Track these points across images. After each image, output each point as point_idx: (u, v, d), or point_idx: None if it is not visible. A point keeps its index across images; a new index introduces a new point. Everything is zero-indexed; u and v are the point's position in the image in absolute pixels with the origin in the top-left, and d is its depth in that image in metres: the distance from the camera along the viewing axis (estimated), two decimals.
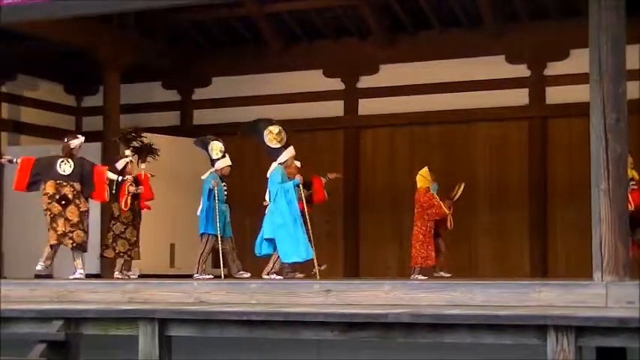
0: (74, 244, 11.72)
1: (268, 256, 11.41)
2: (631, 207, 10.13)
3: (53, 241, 11.69)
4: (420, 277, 11.84)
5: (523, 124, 15.22)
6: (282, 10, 15.66)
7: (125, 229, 12.48)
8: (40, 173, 11.89)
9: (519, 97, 15.19)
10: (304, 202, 11.69)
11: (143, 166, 12.76)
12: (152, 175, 12.80)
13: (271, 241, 11.29)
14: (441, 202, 11.98)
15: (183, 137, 16.36)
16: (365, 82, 16.16)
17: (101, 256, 12.77)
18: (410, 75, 15.68)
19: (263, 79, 16.44)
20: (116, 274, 12.51)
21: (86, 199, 11.93)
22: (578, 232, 13.92)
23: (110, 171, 12.34)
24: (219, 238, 11.78)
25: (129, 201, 12.34)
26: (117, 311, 8.49)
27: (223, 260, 12.00)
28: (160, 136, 15.94)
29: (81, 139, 12.25)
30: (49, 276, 12.25)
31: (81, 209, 11.81)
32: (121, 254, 12.48)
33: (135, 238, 12.51)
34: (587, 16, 8.66)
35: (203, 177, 12.12)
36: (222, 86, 16.94)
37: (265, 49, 16.40)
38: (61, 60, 16.84)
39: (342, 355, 10.09)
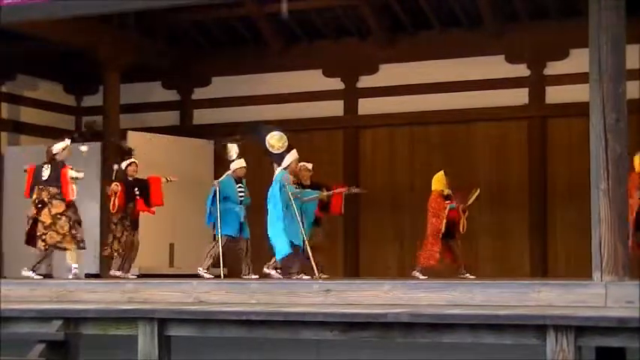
0: (46, 246, 11.89)
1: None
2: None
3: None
4: (420, 275, 11.87)
5: (523, 124, 15.22)
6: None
7: (115, 227, 12.53)
8: (33, 180, 12.22)
9: (519, 96, 15.19)
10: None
11: (84, 148, 12.74)
12: (168, 180, 12.81)
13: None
14: (445, 216, 12.06)
15: (183, 137, 16.41)
16: (365, 82, 16.15)
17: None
18: (410, 75, 15.68)
19: (263, 79, 16.44)
20: (111, 272, 12.56)
21: (63, 200, 11.98)
22: (578, 232, 13.90)
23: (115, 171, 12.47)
24: (232, 239, 11.92)
25: (116, 203, 12.43)
26: (116, 311, 8.49)
27: (222, 260, 12.04)
28: (160, 136, 16.00)
29: (65, 142, 12.23)
30: (50, 276, 12.26)
31: (52, 212, 11.91)
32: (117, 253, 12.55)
33: (120, 235, 12.54)
34: (587, 16, 8.66)
35: (220, 179, 12.19)
36: (221, 86, 16.94)
37: (265, 49, 16.39)
38: (61, 60, 16.84)
39: (342, 355, 10.08)
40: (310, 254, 11.30)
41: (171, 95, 17.38)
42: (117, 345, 9.04)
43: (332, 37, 16.18)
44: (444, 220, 12.07)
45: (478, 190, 12.54)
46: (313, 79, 16.32)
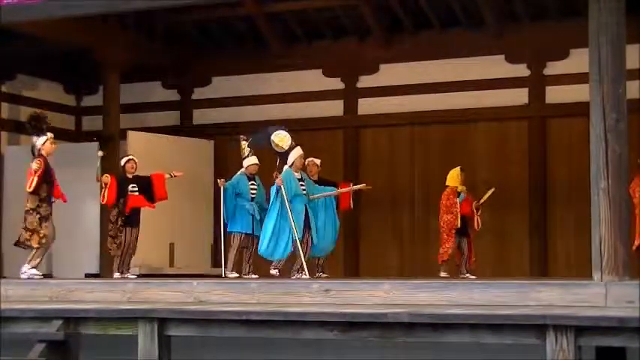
0: (16, 243, 11.87)
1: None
2: None
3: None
4: (444, 274, 11.88)
5: (523, 124, 15.22)
6: (282, 10, 15.66)
7: (112, 225, 12.52)
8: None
9: (519, 96, 15.20)
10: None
11: (100, 153, 12.73)
12: (173, 176, 12.79)
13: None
14: (459, 212, 12.06)
15: (183, 137, 16.41)
16: (365, 81, 16.16)
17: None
18: (410, 75, 15.68)
19: (263, 79, 16.44)
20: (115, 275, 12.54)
21: (37, 195, 11.78)
22: (578, 232, 13.93)
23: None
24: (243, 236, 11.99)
25: (105, 195, 12.35)
26: (116, 311, 8.49)
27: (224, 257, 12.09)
28: (160, 136, 16.01)
29: (47, 136, 12.04)
30: (49, 275, 12.26)
31: (25, 209, 11.83)
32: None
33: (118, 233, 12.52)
34: (587, 16, 8.65)
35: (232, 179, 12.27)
36: (222, 86, 16.94)
37: (265, 49, 16.39)
38: (61, 60, 16.84)
39: (342, 355, 10.08)
40: (302, 254, 11.30)
41: (171, 95, 17.38)
42: (117, 345, 9.04)
43: (332, 37, 16.19)
44: (458, 215, 12.06)
45: (492, 190, 12.53)
46: (313, 79, 16.32)
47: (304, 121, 15.75)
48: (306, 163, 12.18)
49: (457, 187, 12.25)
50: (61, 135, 16.30)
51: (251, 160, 12.19)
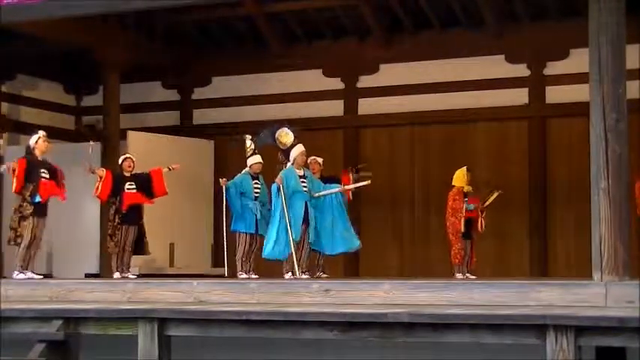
0: (8, 241, 11.86)
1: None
2: None
3: None
4: (459, 275, 11.87)
5: (523, 124, 15.23)
6: (282, 10, 15.66)
7: (110, 224, 12.51)
8: None
9: (519, 96, 15.20)
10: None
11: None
12: (171, 169, 12.75)
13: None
14: (462, 216, 12.04)
15: (183, 137, 16.42)
16: (365, 81, 16.16)
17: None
18: (410, 75, 15.69)
19: (263, 79, 16.45)
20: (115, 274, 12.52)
21: (21, 195, 11.75)
22: (578, 232, 13.93)
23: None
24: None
25: (99, 187, 12.28)
26: (116, 311, 8.49)
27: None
28: (160, 136, 16.01)
29: (39, 134, 12.00)
30: (50, 275, 12.26)
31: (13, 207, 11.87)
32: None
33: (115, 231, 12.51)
34: (587, 16, 8.65)
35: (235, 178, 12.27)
36: (222, 86, 16.94)
37: (265, 49, 16.39)
38: (61, 60, 16.84)
39: (342, 355, 10.09)
40: (294, 254, 11.30)
41: (171, 95, 17.38)
42: (117, 345, 9.04)
43: (332, 37, 16.19)
44: (463, 220, 12.04)
45: (498, 192, 12.50)
46: (313, 79, 16.32)
47: (304, 121, 15.71)
48: (308, 161, 12.19)
49: (463, 187, 12.21)
50: (61, 135, 16.36)
51: (255, 159, 12.17)
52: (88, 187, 12.92)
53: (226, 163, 15.57)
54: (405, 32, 15.70)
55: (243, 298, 9.20)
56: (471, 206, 12.17)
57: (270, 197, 11.61)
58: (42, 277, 11.93)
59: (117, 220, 12.36)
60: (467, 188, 12.25)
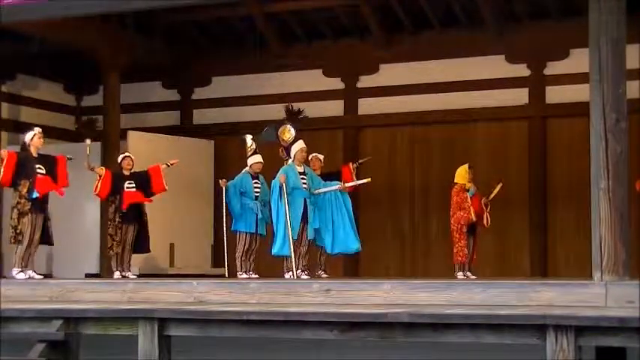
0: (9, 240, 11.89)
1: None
2: None
3: None
4: (460, 275, 11.85)
5: (523, 124, 15.23)
6: (282, 10, 15.66)
7: (110, 224, 12.50)
8: None
9: (519, 96, 15.20)
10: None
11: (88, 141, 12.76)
12: (169, 165, 12.72)
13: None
14: (471, 207, 11.99)
15: (183, 137, 16.41)
16: (365, 81, 16.16)
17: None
18: (410, 75, 15.69)
19: (263, 79, 16.45)
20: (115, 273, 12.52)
21: (18, 192, 11.76)
22: (578, 232, 13.93)
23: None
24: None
25: (99, 186, 12.24)
26: (116, 311, 8.49)
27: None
28: (160, 136, 16.01)
29: (34, 131, 12.01)
30: (50, 275, 12.26)
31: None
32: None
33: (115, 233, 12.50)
34: (587, 16, 8.66)
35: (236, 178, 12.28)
36: (222, 86, 16.94)
37: (265, 49, 16.39)
38: (61, 60, 16.84)
39: (342, 355, 10.09)
40: (293, 254, 11.30)
41: (171, 95, 17.38)
42: (117, 345, 9.05)
43: (332, 37, 16.19)
44: (471, 210, 11.99)
45: (500, 185, 12.48)
46: (313, 79, 16.32)
47: (304, 121, 15.73)
48: (309, 158, 12.19)
49: (465, 184, 12.18)
50: (61, 135, 16.37)
51: (255, 159, 12.17)
52: (88, 187, 12.92)
53: (226, 163, 15.58)
54: (405, 32, 15.70)
55: (243, 298, 9.20)
56: (472, 191, 12.10)
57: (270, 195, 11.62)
58: (42, 277, 11.92)
59: (117, 219, 12.36)
60: (469, 185, 12.23)
